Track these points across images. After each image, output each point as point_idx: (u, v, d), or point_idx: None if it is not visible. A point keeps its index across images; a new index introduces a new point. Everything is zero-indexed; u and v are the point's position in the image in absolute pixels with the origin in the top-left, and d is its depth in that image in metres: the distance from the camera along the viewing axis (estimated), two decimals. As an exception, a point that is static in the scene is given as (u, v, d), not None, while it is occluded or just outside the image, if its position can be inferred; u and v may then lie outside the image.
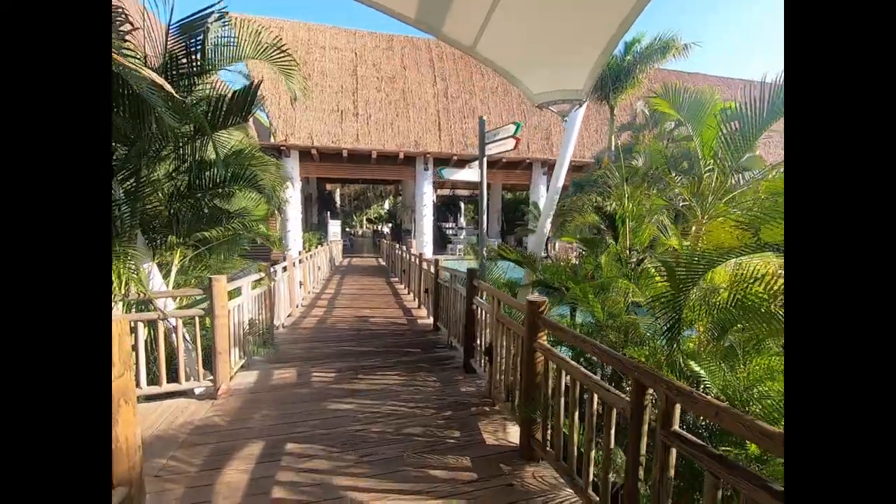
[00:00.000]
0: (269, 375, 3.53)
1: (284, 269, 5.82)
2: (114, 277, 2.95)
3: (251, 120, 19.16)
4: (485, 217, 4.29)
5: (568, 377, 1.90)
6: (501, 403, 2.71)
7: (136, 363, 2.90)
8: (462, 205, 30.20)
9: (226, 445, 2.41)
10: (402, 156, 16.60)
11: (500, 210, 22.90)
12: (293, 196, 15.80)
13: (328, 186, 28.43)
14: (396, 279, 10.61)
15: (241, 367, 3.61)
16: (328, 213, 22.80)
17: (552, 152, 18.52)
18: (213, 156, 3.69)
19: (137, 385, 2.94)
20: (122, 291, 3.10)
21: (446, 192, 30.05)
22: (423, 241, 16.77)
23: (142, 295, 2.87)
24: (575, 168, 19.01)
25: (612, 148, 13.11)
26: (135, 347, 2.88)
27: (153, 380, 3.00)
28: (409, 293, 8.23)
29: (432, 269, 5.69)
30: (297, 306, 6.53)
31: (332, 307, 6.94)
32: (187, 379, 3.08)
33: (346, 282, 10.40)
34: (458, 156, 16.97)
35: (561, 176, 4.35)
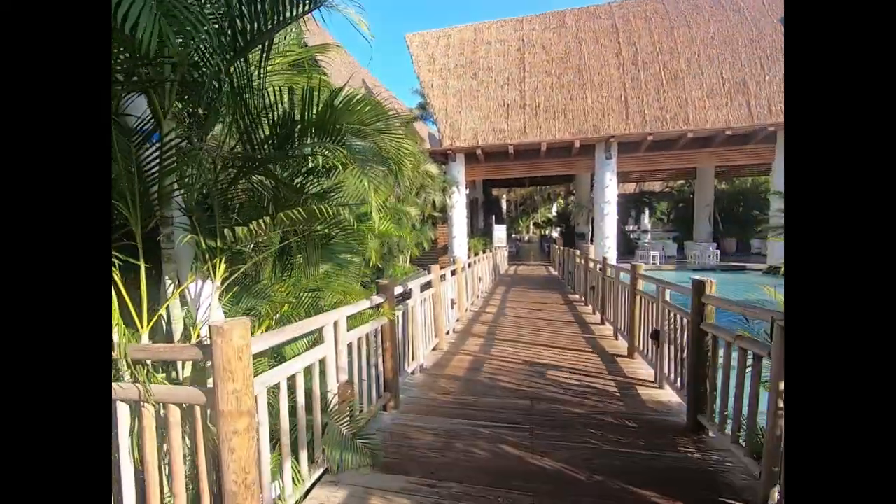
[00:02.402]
0: (358, 516, 1.73)
1: (427, 285, 4.18)
2: (119, 302, 1.65)
3: (426, 133, 19.45)
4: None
5: None
6: None
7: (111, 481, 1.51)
8: (650, 202, 24.51)
9: None
10: (577, 144, 13.79)
11: (711, 205, 17.15)
12: (459, 201, 15.07)
13: (494, 192, 27.47)
14: (577, 296, 8.03)
15: (317, 480, 1.94)
16: (493, 217, 21.64)
17: (813, 112, 12.38)
18: (285, 103, 2.18)
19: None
20: (146, 328, 1.81)
21: (630, 188, 25.05)
22: (605, 246, 13.42)
23: (115, 354, 1.46)
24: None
25: None
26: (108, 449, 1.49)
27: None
28: (603, 323, 5.61)
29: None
30: (447, 333, 4.86)
31: (493, 338, 4.99)
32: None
33: (511, 296, 8.43)
34: (653, 135, 13.04)
35: None
